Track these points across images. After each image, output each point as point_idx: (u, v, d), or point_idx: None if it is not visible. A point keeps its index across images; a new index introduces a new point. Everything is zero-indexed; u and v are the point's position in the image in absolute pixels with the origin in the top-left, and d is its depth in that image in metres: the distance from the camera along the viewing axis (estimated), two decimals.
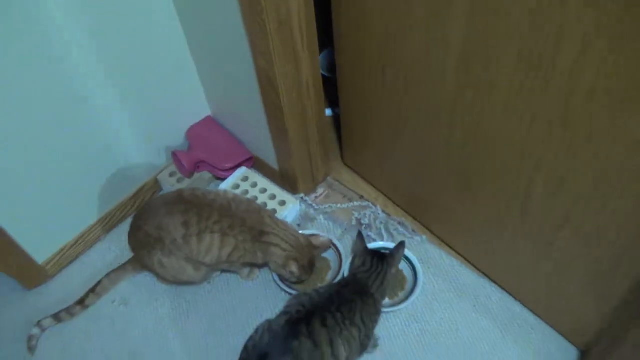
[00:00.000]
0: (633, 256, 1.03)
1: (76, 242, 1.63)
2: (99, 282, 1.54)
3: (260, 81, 1.38)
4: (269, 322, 1.25)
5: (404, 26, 1.18)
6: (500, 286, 1.48)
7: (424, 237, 1.60)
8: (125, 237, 1.67)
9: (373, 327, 1.31)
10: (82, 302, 1.52)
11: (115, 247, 1.68)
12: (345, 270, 1.48)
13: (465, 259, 1.55)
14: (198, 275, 1.45)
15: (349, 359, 1.25)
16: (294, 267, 1.35)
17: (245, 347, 1.25)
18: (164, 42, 1.53)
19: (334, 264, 1.54)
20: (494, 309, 1.45)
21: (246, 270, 1.54)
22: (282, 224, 1.42)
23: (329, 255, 1.55)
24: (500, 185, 1.23)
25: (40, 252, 1.56)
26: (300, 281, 1.45)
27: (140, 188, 1.73)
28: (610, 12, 0.78)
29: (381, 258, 1.34)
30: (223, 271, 1.56)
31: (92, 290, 1.54)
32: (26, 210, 1.47)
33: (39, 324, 1.49)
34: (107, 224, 1.68)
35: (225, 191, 1.45)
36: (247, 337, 1.24)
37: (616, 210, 1.00)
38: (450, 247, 1.58)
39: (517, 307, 1.44)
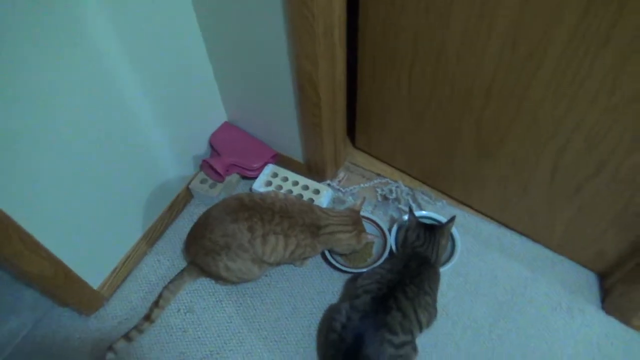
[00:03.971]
0: None
1: (126, 260, 1.44)
2: (160, 295, 1.38)
3: (300, 82, 1.25)
4: (350, 304, 1.18)
5: (442, 18, 1.10)
6: (517, 231, 1.49)
7: (444, 201, 1.57)
8: (170, 248, 1.53)
9: (437, 292, 1.28)
10: (148, 318, 1.35)
11: (164, 259, 1.50)
12: (392, 242, 1.43)
13: (483, 213, 1.54)
14: (260, 273, 1.34)
15: (429, 323, 1.22)
16: (367, 237, 1.32)
17: (332, 329, 1.18)
18: (186, 56, 1.36)
19: (377, 239, 1.48)
20: (518, 252, 1.46)
21: (300, 260, 1.45)
22: (331, 211, 1.34)
23: (371, 230, 1.47)
24: (529, 148, 1.21)
25: (95, 277, 1.37)
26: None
27: (174, 199, 1.55)
28: None
29: (432, 230, 1.30)
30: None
31: (155, 303, 1.37)
32: (79, 240, 1.27)
33: (111, 348, 1.30)
34: (150, 237, 1.50)
35: (275, 192, 1.33)
36: (314, 316, 1.18)
37: None
38: (469, 206, 1.56)
39: (537, 247, 1.47)
